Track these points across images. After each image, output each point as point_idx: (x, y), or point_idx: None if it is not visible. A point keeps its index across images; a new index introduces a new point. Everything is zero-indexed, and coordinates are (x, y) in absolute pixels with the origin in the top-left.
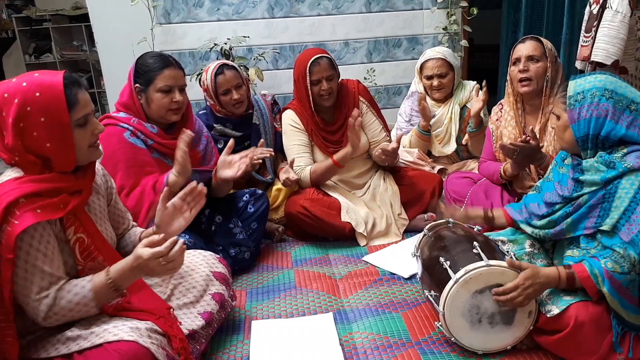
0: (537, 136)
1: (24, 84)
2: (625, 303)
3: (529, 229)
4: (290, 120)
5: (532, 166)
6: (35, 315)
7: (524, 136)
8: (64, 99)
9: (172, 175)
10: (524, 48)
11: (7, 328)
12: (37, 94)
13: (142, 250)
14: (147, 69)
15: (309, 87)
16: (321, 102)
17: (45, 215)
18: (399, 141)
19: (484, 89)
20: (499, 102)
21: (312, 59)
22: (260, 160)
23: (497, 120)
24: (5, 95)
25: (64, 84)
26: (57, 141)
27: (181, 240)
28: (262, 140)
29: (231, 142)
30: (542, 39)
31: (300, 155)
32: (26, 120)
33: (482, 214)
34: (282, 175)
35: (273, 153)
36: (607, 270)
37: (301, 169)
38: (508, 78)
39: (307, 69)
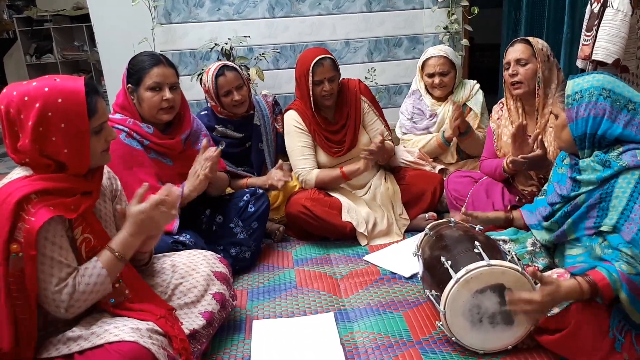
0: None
1: (46, 88)
2: (638, 303)
3: (538, 235)
4: (293, 121)
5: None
6: (56, 307)
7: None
8: (85, 107)
9: (187, 190)
10: (512, 52)
11: (30, 326)
12: (60, 100)
13: (136, 208)
14: (137, 69)
15: (310, 88)
16: (322, 102)
17: (59, 211)
18: (382, 134)
19: (456, 106)
20: (499, 101)
21: (316, 59)
22: (283, 183)
23: (497, 119)
24: (26, 98)
25: (85, 92)
26: (74, 147)
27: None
28: (284, 163)
29: (204, 141)
30: (531, 39)
31: (304, 157)
32: (46, 125)
33: (502, 216)
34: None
35: (291, 179)
36: (624, 273)
37: (307, 171)
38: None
39: (310, 69)
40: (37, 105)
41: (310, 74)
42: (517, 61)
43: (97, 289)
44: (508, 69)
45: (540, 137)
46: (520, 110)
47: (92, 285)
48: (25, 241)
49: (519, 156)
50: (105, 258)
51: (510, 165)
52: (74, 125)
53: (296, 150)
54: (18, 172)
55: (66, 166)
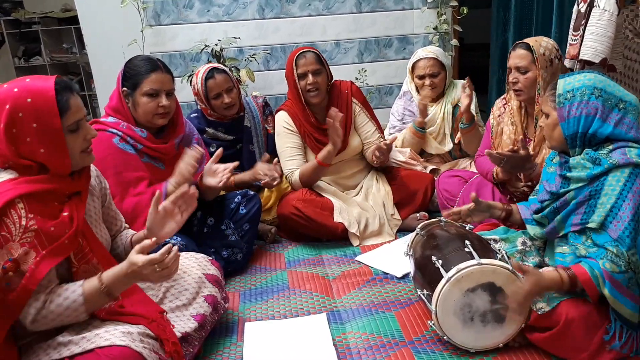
0: (529, 144)
1: (15, 89)
2: (631, 303)
3: (531, 230)
4: (283, 122)
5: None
6: (22, 318)
7: (511, 146)
8: (55, 105)
9: (170, 187)
10: (513, 57)
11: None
12: (29, 100)
13: (136, 257)
14: (134, 73)
15: (297, 81)
16: (308, 99)
17: (60, 254)
18: (393, 140)
19: (468, 83)
20: (502, 97)
21: (299, 52)
22: (269, 178)
23: (499, 116)
24: None
25: (56, 90)
26: (49, 147)
27: (175, 247)
28: (267, 155)
29: (219, 151)
30: (533, 43)
31: (292, 158)
32: (18, 126)
33: (500, 205)
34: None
35: (277, 174)
36: (607, 271)
37: (292, 172)
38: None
39: (294, 62)
40: (7, 106)
41: (294, 67)
42: (517, 68)
43: (69, 313)
44: (511, 72)
45: (521, 137)
46: (523, 111)
47: (63, 309)
48: (23, 284)
49: (495, 152)
50: (89, 286)
51: (498, 174)
52: (46, 124)
53: (285, 151)
54: (2, 176)
55: (47, 166)
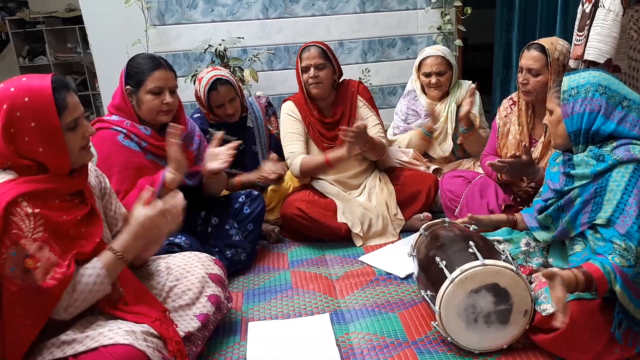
0: (535, 145)
1: (12, 89)
2: (632, 297)
3: (539, 236)
4: (288, 110)
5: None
6: (56, 308)
7: (517, 146)
8: (53, 104)
9: (168, 173)
10: (526, 58)
11: (28, 334)
12: (26, 99)
13: (138, 211)
14: (137, 71)
15: (300, 74)
16: (309, 90)
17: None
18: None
19: (473, 91)
20: (509, 97)
21: (305, 46)
22: (275, 175)
23: (505, 116)
24: None
25: (53, 88)
26: (49, 145)
27: (180, 196)
28: (274, 154)
29: (220, 134)
30: (548, 46)
31: (293, 143)
32: (16, 125)
33: (504, 218)
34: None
35: (284, 172)
36: (617, 265)
37: (294, 155)
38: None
39: (299, 55)
40: (5, 106)
41: (299, 59)
42: (529, 70)
43: (97, 289)
44: (522, 72)
45: (524, 142)
46: (530, 112)
47: (90, 285)
48: (60, 281)
49: (497, 160)
50: (105, 258)
51: (502, 176)
52: (44, 123)
53: (287, 136)
54: (2, 177)
55: (47, 165)
